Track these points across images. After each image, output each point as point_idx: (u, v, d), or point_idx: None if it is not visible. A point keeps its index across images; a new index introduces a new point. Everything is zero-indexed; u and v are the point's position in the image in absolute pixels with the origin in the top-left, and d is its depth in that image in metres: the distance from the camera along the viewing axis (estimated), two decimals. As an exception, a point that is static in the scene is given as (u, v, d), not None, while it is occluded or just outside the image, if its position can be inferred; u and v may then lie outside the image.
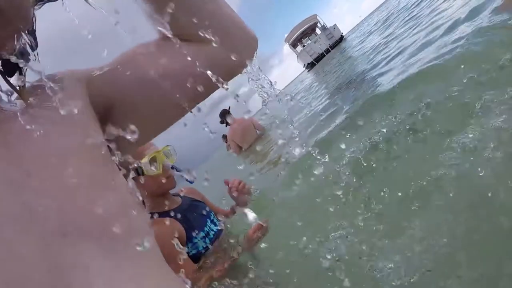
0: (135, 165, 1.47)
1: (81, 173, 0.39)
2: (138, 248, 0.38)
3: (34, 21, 0.45)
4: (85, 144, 0.42)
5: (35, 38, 0.46)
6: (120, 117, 0.50)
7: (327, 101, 4.86)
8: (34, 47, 0.44)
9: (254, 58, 0.58)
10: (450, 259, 1.01)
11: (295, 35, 38.45)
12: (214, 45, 0.51)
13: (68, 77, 0.48)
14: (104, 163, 0.44)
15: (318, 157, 0.99)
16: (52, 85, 0.43)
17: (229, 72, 0.56)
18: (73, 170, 0.38)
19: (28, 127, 0.38)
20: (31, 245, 0.31)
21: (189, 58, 0.50)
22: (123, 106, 0.50)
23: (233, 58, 0.53)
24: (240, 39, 0.56)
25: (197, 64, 0.50)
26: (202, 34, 0.50)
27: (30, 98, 0.43)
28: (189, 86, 0.51)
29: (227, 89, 0.54)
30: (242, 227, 1.72)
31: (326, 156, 1.06)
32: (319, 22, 37.23)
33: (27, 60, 0.44)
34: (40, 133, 0.38)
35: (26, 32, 0.42)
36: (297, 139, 0.79)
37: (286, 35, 40.26)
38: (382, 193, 1.50)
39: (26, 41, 0.43)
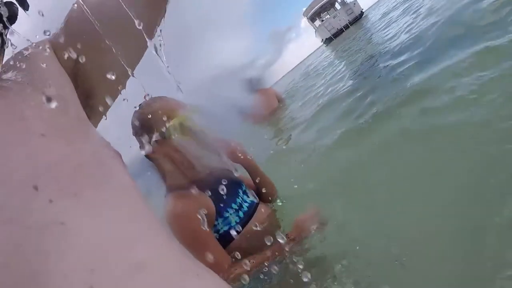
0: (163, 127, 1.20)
1: (51, 126, 0.35)
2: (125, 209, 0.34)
3: None
4: (57, 97, 0.39)
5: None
6: (92, 70, 0.49)
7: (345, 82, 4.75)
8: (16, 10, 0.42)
9: None
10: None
11: (314, 9, 37.47)
12: None
13: (35, 47, 0.47)
14: (76, 117, 0.41)
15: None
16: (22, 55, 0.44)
17: None
18: (43, 123, 0.35)
19: None
20: None
21: None
22: (91, 55, 0.48)
23: None
24: None
25: None
26: None
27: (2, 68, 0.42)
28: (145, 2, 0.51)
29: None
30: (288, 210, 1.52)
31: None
32: (339, -4, 36.23)
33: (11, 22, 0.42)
34: (10, 93, 0.37)
35: None
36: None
37: (304, 9, 39.34)
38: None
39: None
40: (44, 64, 0.44)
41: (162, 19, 0.55)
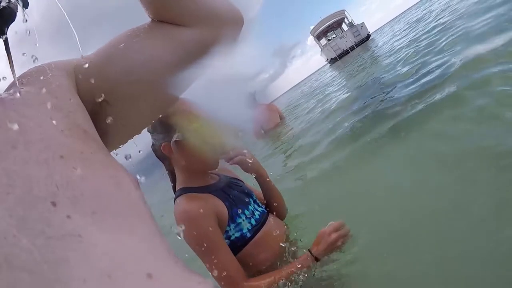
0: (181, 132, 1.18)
1: (70, 149, 0.36)
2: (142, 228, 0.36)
3: None
4: (74, 126, 0.40)
5: None
6: (110, 111, 0.49)
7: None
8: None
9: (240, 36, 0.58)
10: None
11: (321, 28, 38.16)
12: (201, 28, 0.51)
13: (54, 68, 0.46)
14: (95, 144, 0.42)
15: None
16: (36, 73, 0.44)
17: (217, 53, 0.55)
18: (61, 145, 0.36)
19: (14, 108, 0.37)
20: (7, 209, 0.28)
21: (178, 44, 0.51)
22: (113, 100, 0.49)
23: (219, 40, 0.53)
24: (226, 20, 0.55)
25: (187, 49, 0.51)
26: (188, 18, 0.50)
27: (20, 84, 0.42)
28: (178, 72, 0.51)
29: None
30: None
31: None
32: (346, 17, 36.90)
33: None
34: (26, 114, 0.37)
35: None
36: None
37: (312, 27, 40.00)
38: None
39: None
40: (64, 93, 0.44)
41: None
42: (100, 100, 0.47)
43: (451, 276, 1.02)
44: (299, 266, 1.14)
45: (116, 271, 0.29)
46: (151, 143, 1.30)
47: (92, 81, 0.47)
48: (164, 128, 1.23)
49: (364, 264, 1.20)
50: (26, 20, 0.42)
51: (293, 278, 1.13)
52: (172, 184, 1.37)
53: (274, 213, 1.47)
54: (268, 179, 1.47)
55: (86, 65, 0.48)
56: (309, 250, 1.16)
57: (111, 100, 0.48)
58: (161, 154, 1.27)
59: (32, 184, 0.30)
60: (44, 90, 0.42)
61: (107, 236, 0.31)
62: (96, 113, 0.48)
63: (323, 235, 1.16)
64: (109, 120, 0.49)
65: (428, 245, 1.17)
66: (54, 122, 0.38)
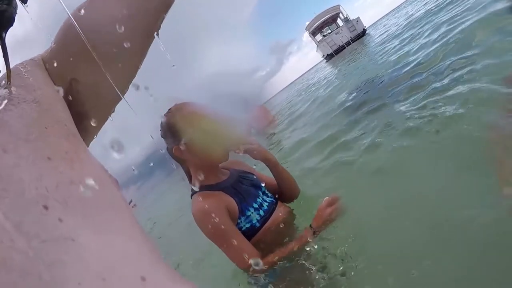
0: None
1: (56, 150, 0.37)
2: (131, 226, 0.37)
3: None
4: (56, 121, 0.41)
5: None
6: (82, 89, 0.49)
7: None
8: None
9: None
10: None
11: (316, 24, 38.06)
12: None
13: (27, 65, 0.47)
14: (77, 141, 0.42)
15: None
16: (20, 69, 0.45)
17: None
18: (48, 146, 0.36)
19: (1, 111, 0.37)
20: (4, 213, 0.29)
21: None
22: (81, 75, 0.49)
23: None
24: None
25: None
26: None
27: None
28: (133, 28, 0.50)
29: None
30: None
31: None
32: (341, 13, 36.80)
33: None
34: (12, 115, 0.37)
35: None
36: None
37: (307, 23, 39.94)
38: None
39: None
40: (41, 85, 0.45)
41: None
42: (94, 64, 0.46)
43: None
44: (302, 240, 1.29)
45: (110, 274, 0.29)
46: (166, 148, 1.42)
47: (55, 64, 0.47)
48: (173, 133, 1.34)
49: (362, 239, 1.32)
50: (28, 12, 0.42)
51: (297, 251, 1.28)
52: (189, 183, 1.49)
53: (287, 194, 1.61)
54: (277, 163, 1.58)
55: (49, 52, 0.49)
56: (310, 226, 1.31)
57: (78, 76, 0.48)
58: (175, 157, 1.39)
59: (24, 188, 0.31)
60: (22, 86, 0.42)
61: (99, 238, 0.32)
62: (70, 97, 0.48)
63: (321, 210, 1.31)
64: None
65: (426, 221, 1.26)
66: (37, 118, 0.39)
